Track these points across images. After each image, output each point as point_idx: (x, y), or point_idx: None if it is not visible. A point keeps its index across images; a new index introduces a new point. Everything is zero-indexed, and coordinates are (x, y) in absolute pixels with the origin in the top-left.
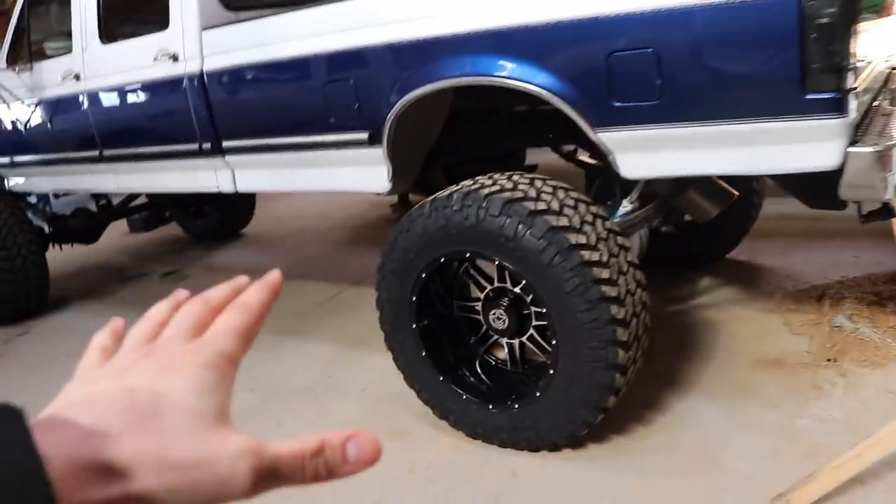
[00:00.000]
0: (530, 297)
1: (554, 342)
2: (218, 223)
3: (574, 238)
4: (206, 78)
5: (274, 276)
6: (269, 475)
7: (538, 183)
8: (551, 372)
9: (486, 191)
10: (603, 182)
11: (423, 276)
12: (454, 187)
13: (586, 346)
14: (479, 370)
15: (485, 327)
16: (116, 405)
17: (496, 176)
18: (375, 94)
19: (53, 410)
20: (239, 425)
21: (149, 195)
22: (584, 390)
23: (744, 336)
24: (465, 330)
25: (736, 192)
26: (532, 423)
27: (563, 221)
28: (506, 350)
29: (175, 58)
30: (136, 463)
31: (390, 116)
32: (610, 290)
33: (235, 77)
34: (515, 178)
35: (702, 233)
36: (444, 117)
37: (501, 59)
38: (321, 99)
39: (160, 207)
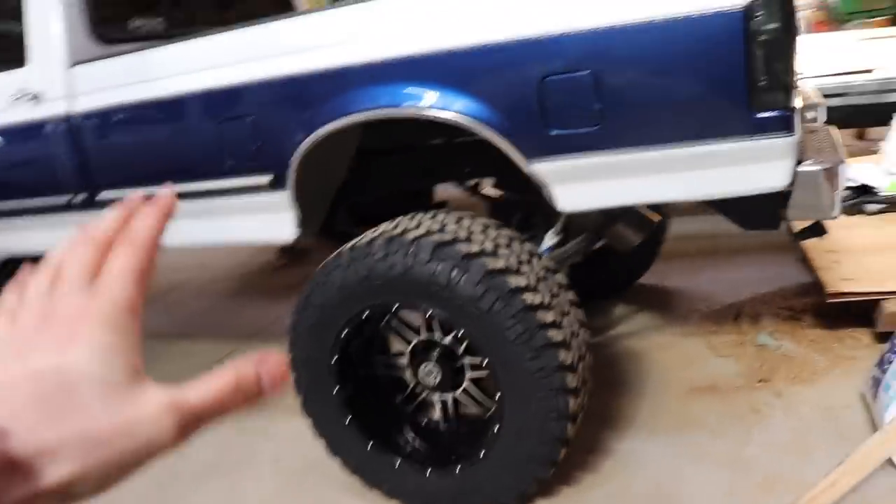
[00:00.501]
0: (463, 346)
1: (498, 395)
2: None
3: (514, 281)
4: (76, 121)
5: (164, 195)
6: (194, 421)
7: (466, 222)
8: (496, 428)
9: (412, 234)
10: (522, 215)
11: (345, 333)
12: (373, 232)
13: (535, 397)
14: (410, 432)
15: (412, 384)
16: (26, 394)
17: (419, 216)
18: (277, 132)
19: None
20: None
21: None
22: (535, 444)
23: (670, 364)
24: (389, 389)
25: (657, 218)
26: (477, 485)
27: (500, 263)
28: (438, 407)
29: (37, 98)
30: (55, 452)
31: (296, 156)
32: (556, 335)
33: (111, 118)
34: (441, 217)
35: (612, 259)
36: (352, 154)
37: (422, 88)
38: (215, 140)
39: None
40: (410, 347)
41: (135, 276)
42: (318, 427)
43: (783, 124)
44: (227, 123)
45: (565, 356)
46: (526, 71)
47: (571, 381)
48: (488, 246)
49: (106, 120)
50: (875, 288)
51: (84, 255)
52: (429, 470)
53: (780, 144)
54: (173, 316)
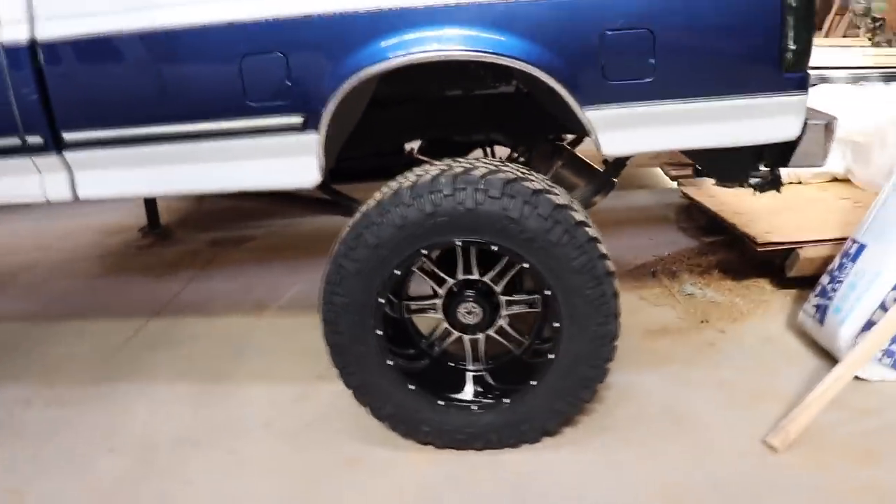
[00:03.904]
0: (502, 285)
1: (556, 325)
2: None
3: (576, 215)
4: (41, 50)
5: None
6: None
7: (513, 165)
8: (551, 357)
9: (479, 171)
10: None
11: (396, 273)
12: (427, 172)
13: (594, 323)
14: (453, 372)
15: (444, 327)
16: None
17: (460, 160)
18: (316, 69)
19: None
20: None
21: None
22: (587, 369)
23: None
24: (413, 333)
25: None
26: (526, 415)
27: (562, 199)
28: (468, 347)
29: None
30: None
31: (335, 97)
32: (609, 265)
33: (93, 50)
34: (486, 160)
35: None
36: (367, 102)
37: (489, 33)
38: (234, 77)
39: None
40: (447, 288)
41: None
42: (350, 377)
43: (802, 84)
44: (253, 59)
45: (616, 284)
46: (590, 24)
47: (618, 307)
48: (545, 184)
49: (84, 50)
50: (795, 238)
51: None
52: (475, 406)
53: (798, 101)
54: (39, 298)
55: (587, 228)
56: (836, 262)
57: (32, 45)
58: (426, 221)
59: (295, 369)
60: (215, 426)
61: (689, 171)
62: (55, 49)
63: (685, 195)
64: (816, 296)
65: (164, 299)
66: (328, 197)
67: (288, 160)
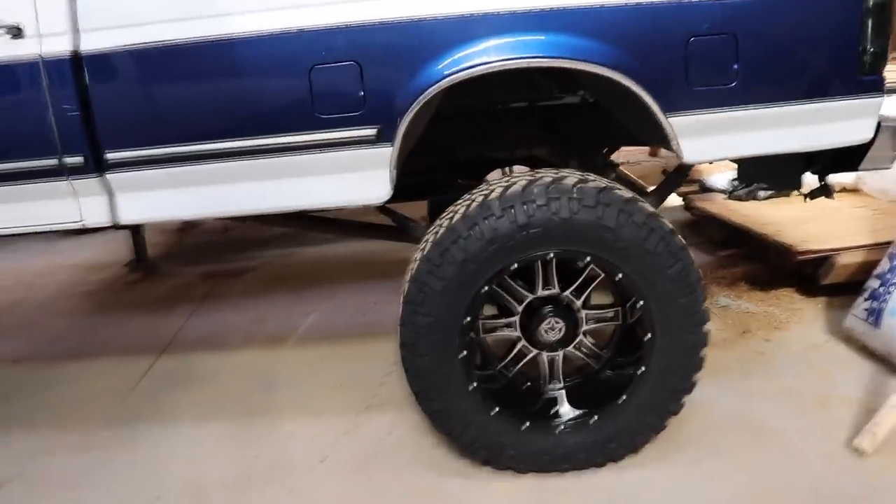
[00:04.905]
0: (581, 300)
1: (649, 336)
2: None
3: (667, 223)
4: (86, 64)
5: None
6: None
7: (593, 175)
8: (641, 370)
9: (570, 181)
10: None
11: (484, 290)
12: (512, 182)
13: (686, 333)
14: (532, 392)
15: (519, 345)
16: None
17: (544, 170)
18: (393, 78)
19: None
20: None
21: None
22: (678, 380)
23: None
24: (489, 354)
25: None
26: (616, 432)
27: (651, 208)
28: (545, 365)
29: (17, 32)
30: None
31: (414, 107)
32: (698, 273)
33: (146, 62)
34: (568, 170)
35: None
36: (432, 115)
37: (572, 39)
38: (302, 88)
39: None
40: (524, 304)
41: None
42: (431, 402)
43: (878, 86)
44: (324, 69)
45: (705, 292)
46: (675, 30)
47: (708, 315)
48: (633, 194)
49: (136, 62)
50: (831, 245)
51: None
52: (560, 428)
53: (874, 104)
54: (30, 339)
55: (678, 236)
56: (885, 265)
57: (76, 58)
58: (518, 233)
59: (334, 401)
60: (265, 464)
61: (695, 188)
62: (102, 62)
63: (701, 210)
64: (867, 300)
65: (168, 335)
66: (388, 218)
67: (358, 175)
